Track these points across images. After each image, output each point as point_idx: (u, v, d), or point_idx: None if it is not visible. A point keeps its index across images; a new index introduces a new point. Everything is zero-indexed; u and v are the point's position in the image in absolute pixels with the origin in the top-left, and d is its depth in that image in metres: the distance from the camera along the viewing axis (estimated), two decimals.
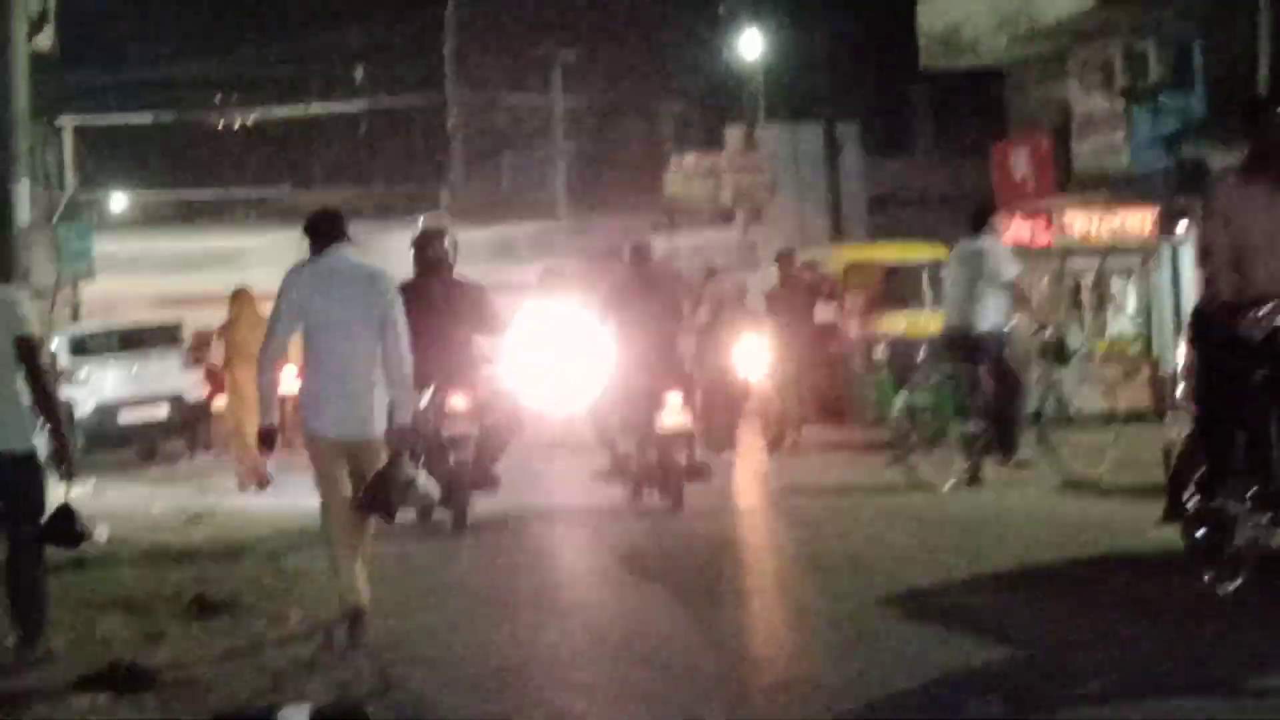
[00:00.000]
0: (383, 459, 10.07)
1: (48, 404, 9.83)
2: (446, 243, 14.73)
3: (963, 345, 16.19)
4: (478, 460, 14.42)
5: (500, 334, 15.10)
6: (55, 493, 9.92)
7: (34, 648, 9.67)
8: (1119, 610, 9.77)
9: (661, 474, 15.32)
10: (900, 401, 16.64)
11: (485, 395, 14.56)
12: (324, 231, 10.37)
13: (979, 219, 16.53)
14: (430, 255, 14.53)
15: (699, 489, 15.41)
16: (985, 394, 16.05)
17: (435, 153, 57.52)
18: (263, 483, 19.09)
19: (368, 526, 10.28)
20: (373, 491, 9.93)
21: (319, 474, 10.19)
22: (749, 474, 18.62)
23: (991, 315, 16.10)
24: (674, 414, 15.16)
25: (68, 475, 9.94)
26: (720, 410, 20.24)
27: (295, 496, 9.83)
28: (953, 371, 16.25)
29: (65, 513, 9.79)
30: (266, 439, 10.48)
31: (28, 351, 9.65)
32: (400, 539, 12.79)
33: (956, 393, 16.13)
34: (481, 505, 14.56)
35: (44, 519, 9.73)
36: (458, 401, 14.10)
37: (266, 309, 11.24)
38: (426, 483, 10.43)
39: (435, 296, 13.84)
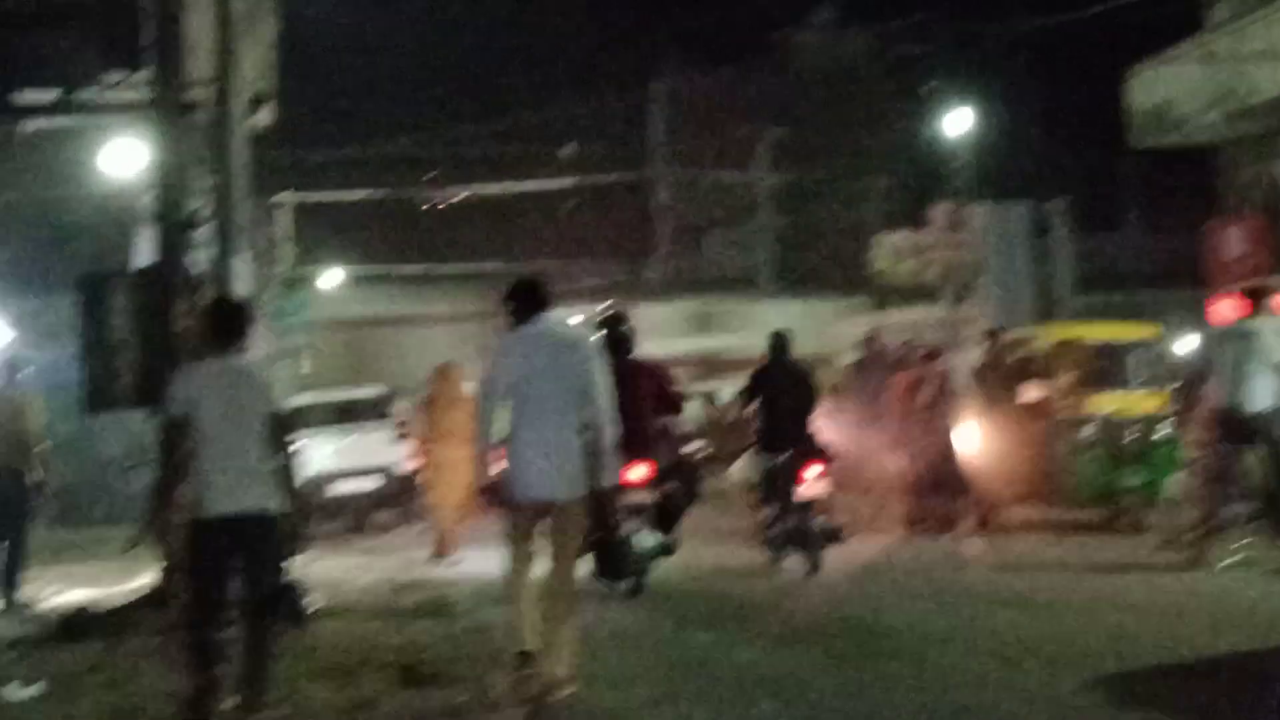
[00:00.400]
0: (582, 521, 10.46)
1: (287, 474, 10.23)
2: (625, 328, 15.52)
3: (1234, 426, 15.99)
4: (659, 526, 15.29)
5: (678, 412, 16.20)
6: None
7: (254, 712, 9.86)
8: None
9: (801, 537, 16.77)
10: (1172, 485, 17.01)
11: (665, 465, 15.30)
12: (527, 300, 10.66)
13: (1255, 298, 16.43)
14: (614, 336, 15.20)
15: (905, 570, 15.43)
16: (1259, 475, 15.92)
17: (641, 228, 57.90)
18: (454, 555, 19.48)
19: (575, 595, 10.52)
20: (604, 559, 11.15)
21: (512, 534, 10.52)
22: (959, 554, 18.41)
23: (1265, 396, 15.92)
24: (812, 484, 16.69)
25: (294, 548, 10.33)
26: (940, 491, 20.37)
27: (497, 563, 10.33)
28: (1226, 452, 16.11)
29: (291, 588, 10.16)
30: (486, 497, 10.68)
31: (278, 425, 10.14)
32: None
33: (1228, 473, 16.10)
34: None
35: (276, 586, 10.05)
36: (635, 473, 14.53)
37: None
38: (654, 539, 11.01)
39: (620, 374, 13.97)
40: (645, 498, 14.87)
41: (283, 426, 10.17)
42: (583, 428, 10.37)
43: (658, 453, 15.16)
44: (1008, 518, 20.99)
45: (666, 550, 15.31)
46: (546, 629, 10.26)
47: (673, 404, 15.77)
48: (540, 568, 10.49)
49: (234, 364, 10.17)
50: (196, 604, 9.98)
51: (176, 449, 10.08)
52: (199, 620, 9.88)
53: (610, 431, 10.44)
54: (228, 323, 10.32)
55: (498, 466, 10.50)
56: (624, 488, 13.71)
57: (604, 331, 15.06)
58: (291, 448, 10.22)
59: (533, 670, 10.13)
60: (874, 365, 25.04)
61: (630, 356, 15.20)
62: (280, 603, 10.03)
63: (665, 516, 15.24)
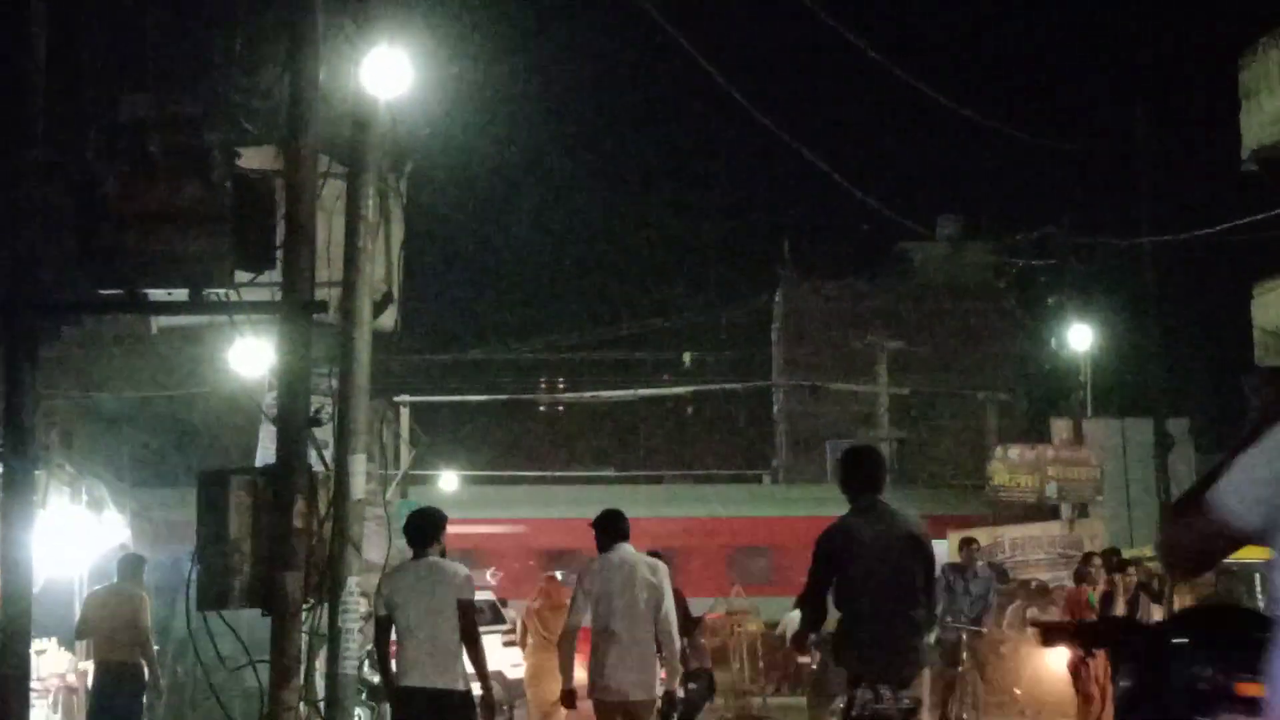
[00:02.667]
0: (653, 715, 12.69)
1: (477, 657, 12.00)
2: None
3: None
4: None
5: (696, 626, 19.86)
6: None
7: None
8: None
9: None
10: None
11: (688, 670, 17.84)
12: (610, 530, 12.86)
13: None
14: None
15: None
16: None
17: (761, 436, 57.92)
18: None
19: None
20: None
21: None
22: None
23: None
24: None
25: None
26: None
27: None
28: None
29: None
30: (567, 699, 12.94)
31: (466, 612, 11.86)
32: None
33: None
34: None
35: None
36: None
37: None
38: None
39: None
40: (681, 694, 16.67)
41: (469, 615, 11.94)
42: (655, 642, 12.52)
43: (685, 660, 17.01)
44: None
45: None
46: None
47: (692, 621, 19.95)
48: None
49: (429, 564, 12.06)
50: None
51: (383, 643, 12.33)
52: None
53: (677, 644, 12.80)
54: (420, 530, 12.34)
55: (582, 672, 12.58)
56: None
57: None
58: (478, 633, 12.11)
59: None
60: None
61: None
62: None
63: (690, 709, 18.96)
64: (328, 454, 16.43)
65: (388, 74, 16.80)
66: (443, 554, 12.55)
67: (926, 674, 12.23)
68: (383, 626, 12.30)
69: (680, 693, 15.82)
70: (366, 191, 16.96)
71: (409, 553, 12.53)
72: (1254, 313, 33.02)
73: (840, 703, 11.46)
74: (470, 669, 12.25)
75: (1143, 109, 37.57)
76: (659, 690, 12.69)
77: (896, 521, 10.43)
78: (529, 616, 22.34)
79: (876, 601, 10.15)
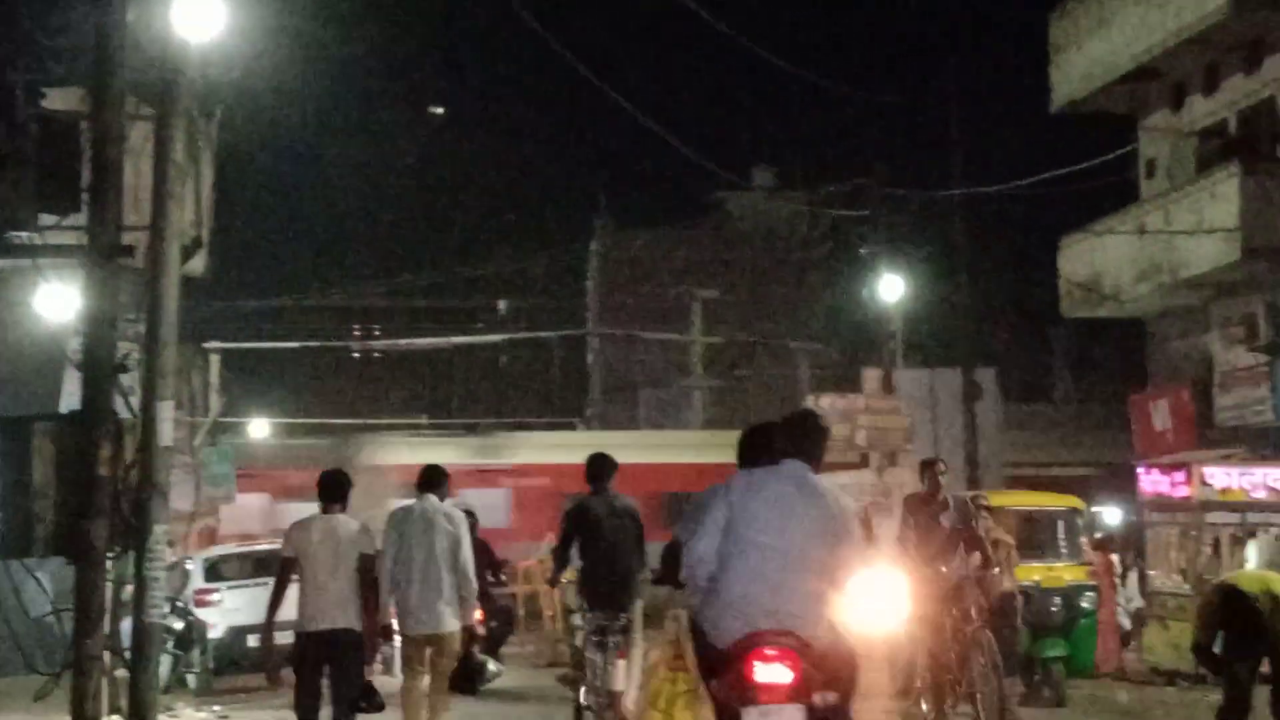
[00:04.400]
0: (457, 648, 14.34)
1: (371, 602, 12.98)
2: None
3: None
4: None
5: (499, 571, 21.63)
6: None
7: None
8: None
9: None
10: None
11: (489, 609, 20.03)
12: (422, 482, 14.61)
13: None
14: (471, 520, 16.90)
15: None
16: None
17: (575, 383, 57.98)
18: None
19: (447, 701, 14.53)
20: (458, 675, 14.46)
21: (408, 661, 14.50)
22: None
23: None
24: None
25: (370, 657, 13.26)
26: None
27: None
28: None
29: (370, 687, 12.88)
30: (385, 633, 14.32)
31: (367, 563, 12.95)
32: None
33: None
34: None
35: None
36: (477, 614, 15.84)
37: None
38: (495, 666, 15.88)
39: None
40: (482, 632, 17.10)
41: (370, 566, 13.02)
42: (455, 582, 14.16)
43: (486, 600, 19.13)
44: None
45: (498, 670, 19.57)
46: None
47: (496, 567, 23.56)
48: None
49: (333, 520, 13.01)
50: (299, 698, 12.88)
51: (281, 583, 13.09)
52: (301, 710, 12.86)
53: (473, 583, 14.39)
54: (328, 488, 13.13)
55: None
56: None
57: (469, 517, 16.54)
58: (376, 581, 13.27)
59: None
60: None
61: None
62: (369, 697, 12.83)
63: (491, 644, 19.84)
64: (134, 401, 16.20)
65: (199, 16, 16.53)
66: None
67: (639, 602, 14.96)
68: (286, 567, 13.10)
69: (480, 629, 16.09)
70: (175, 135, 16.69)
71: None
72: (1061, 264, 33.52)
73: (578, 620, 15.51)
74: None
75: (954, 62, 37.97)
76: (457, 624, 14.26)
77: (617, 502, 15.04)
78: None
79: (603, 553, 14.85)
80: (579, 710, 15.19)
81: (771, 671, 8.58)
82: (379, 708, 12.88)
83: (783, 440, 9.33)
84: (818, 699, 8.68)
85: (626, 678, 14.68)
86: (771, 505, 8.91)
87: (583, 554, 15.09)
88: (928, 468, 17.41)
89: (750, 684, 8.59)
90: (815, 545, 8.87)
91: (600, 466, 15.22)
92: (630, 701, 14.55)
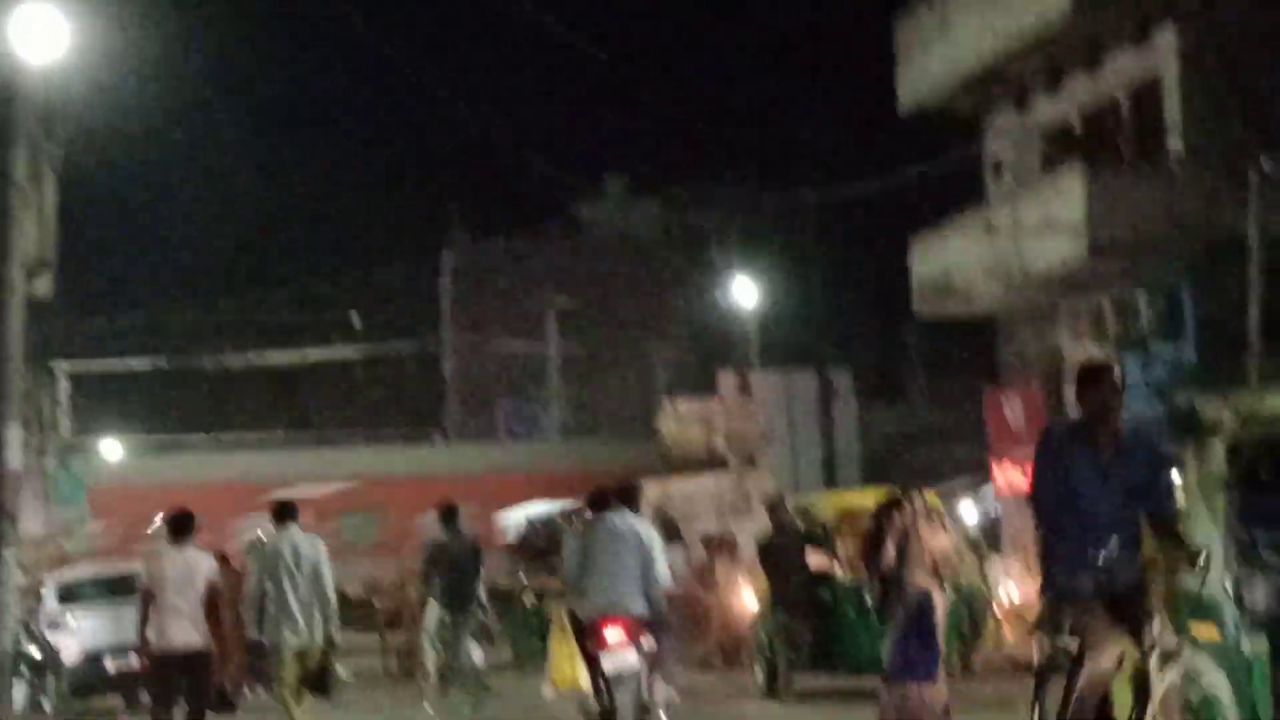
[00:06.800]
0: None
1: (216, 624, 14.65)
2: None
3: None
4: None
5: None
6: None
7: None
8: None
9: None
10: None
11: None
12: (279, 514, 16.70)
13: None
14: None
15: None
16: None
17: (431, 396, 57.77)
18: None
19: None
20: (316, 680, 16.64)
21: (282, 677, 16.50)
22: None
23: None
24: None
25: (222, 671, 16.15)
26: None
27: None
28: None
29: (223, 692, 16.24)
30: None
31: (212, 589, 14.49)
32: None
33: None
34: None
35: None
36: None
37: None
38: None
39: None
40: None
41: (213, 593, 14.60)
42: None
43: None
44: (791, 684, 20.96)
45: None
46: None
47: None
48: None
49: (184, 553, 14.59)
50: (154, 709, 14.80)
51: (144, 609, 14.64)
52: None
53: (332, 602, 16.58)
54: (175, 526, 14.63)
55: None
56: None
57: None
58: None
59: None
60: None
61: None
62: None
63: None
64: None
65: (39, 38, 16.30)
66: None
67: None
68: (146, 597, 14.63)
69: (337, 638, 17.59)
70: (16, 156, 16.47)
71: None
72: (912, 263, 33.78)
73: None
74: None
75: (800, 67, 38.16)
76: (321, 638, 16.42)
77: (463, 536, 21.26)
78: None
79: (453, 575, 20.80)
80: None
81: (613, 633, 15.11)
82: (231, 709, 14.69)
83: (613, 498, 15.86)
84: (644, 643, 15.09)
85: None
86: (609, 537, 15.33)
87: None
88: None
89: (603, 640, 15.12)
90: (634, 560, 15.22)
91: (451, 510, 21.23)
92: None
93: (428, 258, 59.11)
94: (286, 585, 16.21)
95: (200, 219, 66.88)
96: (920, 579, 16.09)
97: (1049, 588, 9.97)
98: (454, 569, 21.07)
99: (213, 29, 56.75)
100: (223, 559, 22.26)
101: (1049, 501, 9.80)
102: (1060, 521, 9.76)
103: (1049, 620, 9.98)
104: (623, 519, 15.53)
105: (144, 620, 14.74)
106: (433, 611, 21.57)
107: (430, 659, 21.85)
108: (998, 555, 27.24)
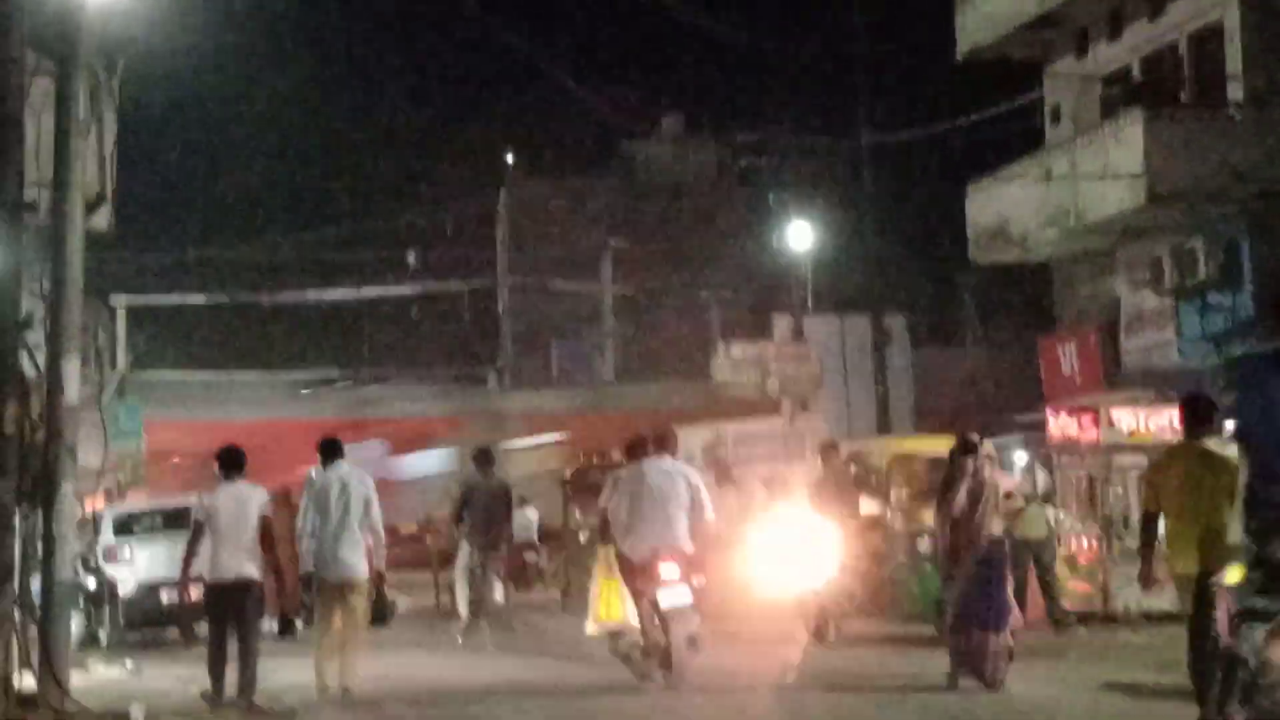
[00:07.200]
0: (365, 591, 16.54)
1: (272, 556, 15.86)
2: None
3: None
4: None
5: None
6: None
7: None
8: None
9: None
10: None
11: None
12: (327, 451, 16.74)
13: None
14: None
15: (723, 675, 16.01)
16: None
17: (485, 336, 57.86)
18: None
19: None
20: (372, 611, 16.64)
21: (321, 608, 16.64)
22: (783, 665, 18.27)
23: None
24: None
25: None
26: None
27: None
28: None
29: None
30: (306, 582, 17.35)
31: (265, 522, 15.63)
32: None
33: None
34: None
35: None
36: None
37: None
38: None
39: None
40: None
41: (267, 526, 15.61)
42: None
43: None
44: (842, 630, 20.94)
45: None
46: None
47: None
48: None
49: (236, 487, 15.67)
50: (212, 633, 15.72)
51: (194, 542, 15.61)
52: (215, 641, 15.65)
53: (382, 537, 16.78)
54: (227, 461, 15.74)
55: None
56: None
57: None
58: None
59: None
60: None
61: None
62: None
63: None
64: (40, 357, 16.08)
65: None
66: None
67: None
68: (198, 530, 15.53)
69: (385, 571, 17.74)
70: (77, 89, 16.53)
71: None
72: (968, 211, 33.66)
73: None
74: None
75: (859, 10, 37.95)
76: (367, 571, 16.47)
77: (494, 479, 22.89)
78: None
79: (483, 516, 22.30)
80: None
81: (669, 568, 15.90)
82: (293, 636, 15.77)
83: (653, 444, 16.68)
84: (695, 582, 15.99)
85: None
86: (658, 478, 16.20)
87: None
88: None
89: (658, 576, 15.85)
90: (683, 499, 16.12)
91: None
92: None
93: (485, 197, 59.09)
94: (334, 519, 16.32)
95: (259, 156, 66.97)
96: (992, 525, 16.09)
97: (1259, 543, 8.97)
98: (485, 510, 22.43)
99: None
100: (285, 495, 22.46)
101: (1264, 436, 8.85)
102: (1275, 467, 8.87)
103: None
104: (665, 462, 16.52)
105: (190, 554, 15.58)
106: (464, 551, 22.74)
107: (461, 595, 22.81)
108: (1052, 506, 27.19)
